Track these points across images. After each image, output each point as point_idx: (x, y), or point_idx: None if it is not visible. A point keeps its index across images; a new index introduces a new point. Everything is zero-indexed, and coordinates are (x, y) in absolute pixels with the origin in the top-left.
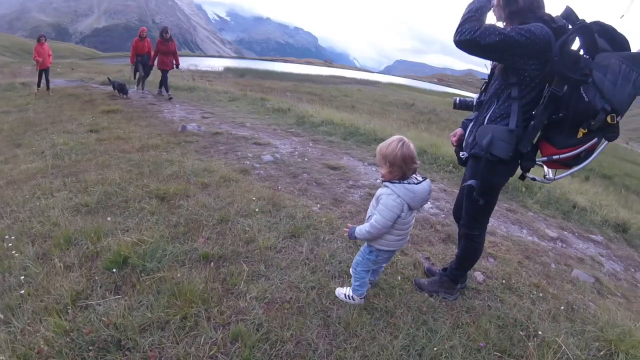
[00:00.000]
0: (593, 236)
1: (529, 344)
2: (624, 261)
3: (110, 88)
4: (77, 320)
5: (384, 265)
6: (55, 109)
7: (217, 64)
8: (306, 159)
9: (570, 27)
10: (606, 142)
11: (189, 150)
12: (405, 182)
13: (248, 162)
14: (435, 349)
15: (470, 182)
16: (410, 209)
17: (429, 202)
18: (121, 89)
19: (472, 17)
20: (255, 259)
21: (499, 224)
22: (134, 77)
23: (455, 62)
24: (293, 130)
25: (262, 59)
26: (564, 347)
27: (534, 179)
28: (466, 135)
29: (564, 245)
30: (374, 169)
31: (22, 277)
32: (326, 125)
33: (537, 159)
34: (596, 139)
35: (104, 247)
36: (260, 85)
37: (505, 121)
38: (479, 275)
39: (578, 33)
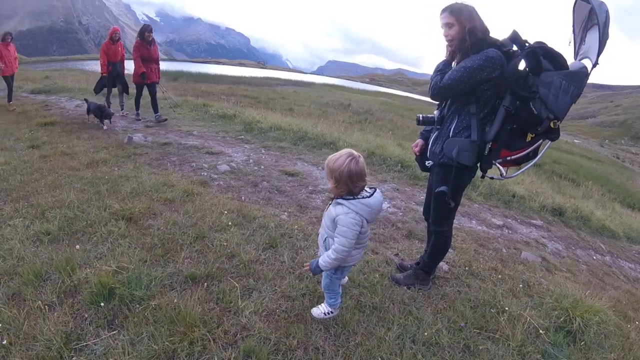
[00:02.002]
0: (534, 221)
1: (501, 319)
2: (564, 241)
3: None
4: None
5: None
6: None
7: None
8: (262, 167)
9: (515, 48)
10: (550, 142)
11: (141, 164)
12: (359, 197)
13: (205, 173)
14: (425, 334)
15: (441, 188)
16: (368, 222)
17: (386, 202)
18: (101, 112)
19: (437, 74)
20: (242, 274)
21: None
22: (96, 91)
23: (385, 61)
24: (242, 137)
25: (193, 60)
26: (529, 318)
27: (492, 178)
28: (430, 145)
29: (510, 232)
30: None
31: None
32: (275, 130)
33: (494, 161)
34: (541, 140)
35: (82, 279)
36: (195, 89)
37: (466, 133)
38: (444, 265)
39: (526, 56)
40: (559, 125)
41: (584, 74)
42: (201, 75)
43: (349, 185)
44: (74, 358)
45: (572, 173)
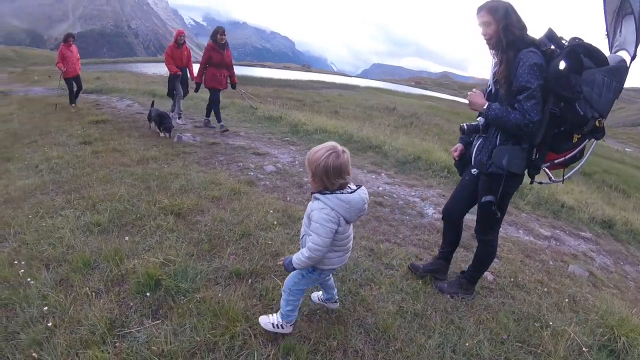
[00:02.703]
0: (582, 233)
1: (544, 334)
2: (613, 255)
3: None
4: (122, 351)
5: (330, 279)
6: (41, 120)
7: (195, 69)
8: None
9: (553, 47)
10: (596, 141)
11: (190, 162)
12: (338, 192)
13: (252, 173)
14: (466, 344)
15: (488, 198)
16: (347, 222)
17: (432, 208)
18: (162, 122)
19: (513, 112)
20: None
21: None
22: (173, 98)
23: (430, 64)
24: (288, 138)
25: (239, 64)
26: (573, 334)
27: (541, 183)
28: (475, 153)
29: (557, 243)
30: (374, 177)
31: (45, 307)
32: (320, 133)
33: (542, 166)
34: (587, 140)
35: (129, 269)
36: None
37: (513, 140)
38: (489, 276)
39: (566, 55)
40: (603, 123)
41: (624, 67)
42: (247, 78)
43: (324, 180)
44: (117, 343)
45: (623, 183)
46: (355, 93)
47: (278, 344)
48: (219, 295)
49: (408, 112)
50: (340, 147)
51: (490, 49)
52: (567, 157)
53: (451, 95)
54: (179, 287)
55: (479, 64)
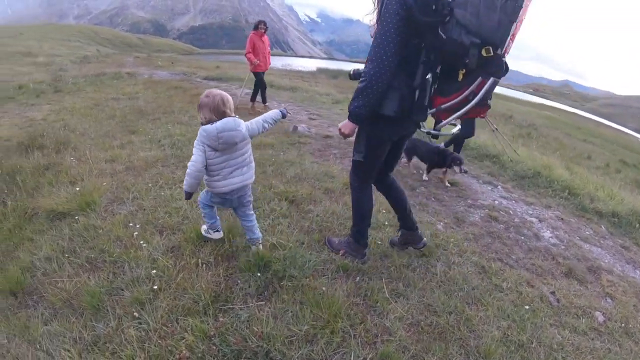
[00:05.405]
0: None
1: None
2: None
3: None
4: (223, 325)
5: (245, 222)
6: (165, 100)
7: (309, 64)
8: (421, 171)
9: None
10: (492, 78)
11: (304, 152)
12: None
13: None
14: None
15: (357, 157)
16: (215, 149)
17: (549, 231)
18: (444, 160)
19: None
20: (392, 276)
21: (614, 262)
22: None
23: (551, 71)
24: None
25: (352, 60)
26: None
27: (429, 133)
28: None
29: None
30: (489, 188)
31: (153, 270)
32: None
33: (429, 111)
34: (480, 77)
35: (240, 247)
36: (353, 88)
37: None
38: (599, 316)
39: None
40: (498, 54)
41: None
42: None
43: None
44: (220, 318)
45: None
46: None
47: (377, 349)
48: (324, 288)
49: (525, 122)
50: (211, 91)
51: None
52: (455, 100)
53: (572, 107)
54: (286, 273)
55: (601, 75)
